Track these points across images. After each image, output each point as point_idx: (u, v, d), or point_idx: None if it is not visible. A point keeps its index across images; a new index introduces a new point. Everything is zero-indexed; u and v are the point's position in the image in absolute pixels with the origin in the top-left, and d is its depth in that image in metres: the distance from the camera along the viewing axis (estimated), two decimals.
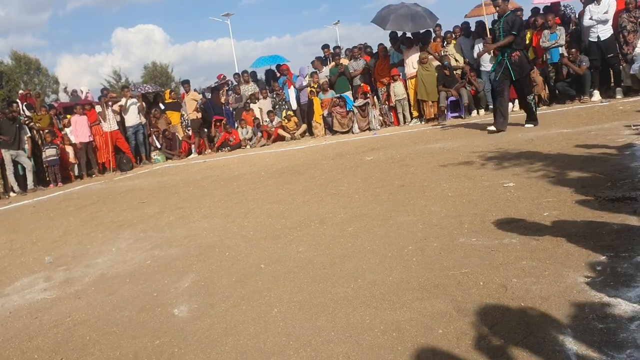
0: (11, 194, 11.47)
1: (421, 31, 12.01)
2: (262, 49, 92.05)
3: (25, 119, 12.46)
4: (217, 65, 77.44)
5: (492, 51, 9.29)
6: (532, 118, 8.61)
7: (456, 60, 12.07)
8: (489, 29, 9.34)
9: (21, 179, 11.81)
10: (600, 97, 10.28)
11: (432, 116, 11.93)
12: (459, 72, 11.97)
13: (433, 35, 12.69)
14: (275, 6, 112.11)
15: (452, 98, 11.77)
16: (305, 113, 13.68)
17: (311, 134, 13.58)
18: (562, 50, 10.70)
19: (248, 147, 13.57)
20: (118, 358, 2.68)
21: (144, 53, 75.03)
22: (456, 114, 11.98)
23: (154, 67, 47.01)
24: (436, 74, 11.77)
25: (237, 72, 16.27)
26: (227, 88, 15.02)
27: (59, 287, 4.10)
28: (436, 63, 11.92)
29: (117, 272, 4.22)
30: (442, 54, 12.06)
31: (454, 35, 12.83)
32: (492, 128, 8.54)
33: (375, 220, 4.40)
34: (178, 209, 6.50)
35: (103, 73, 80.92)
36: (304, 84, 13.68)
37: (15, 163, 11.72)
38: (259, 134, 13.72)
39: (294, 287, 3.24)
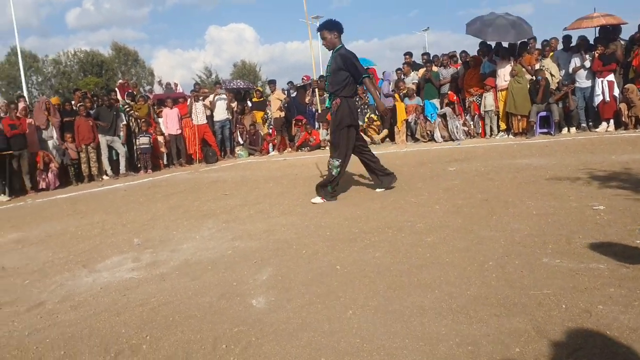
0: (104, 177, 12.24)
1: (519, 42, 11.72)
2: None
3: (126, 106, 13.22)
4: (303, 67, 78.81)
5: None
6: (320, 193, 6.40)
7: (552, 75, 11.61)
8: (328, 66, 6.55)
9: (114, 164, 12.58)
10: None
11: (520, 130, 11.58)
12: (553, 87, 11.51)
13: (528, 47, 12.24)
14: (365, 9, 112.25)
15: (543, 113, 11.36)
16: (388, 118, 13.63)
17: (392, 139, 13.52)
18: None
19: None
20: (199, 341, 2.81)
21: (235, 51, 77.80)
22: (545, 130, 11.56)
23: (243, 66, 48.55)
24: (528, 87, 11.41)
25: (322, 74, 16.45)
26: (312, 88, 15.23)
27: (145, 269, 4.34)
28: (529, 77, 11.55)
29: (200, 259, 4.41)
30: (537, 67, 11.62)
31: (550, 48, 12.31)
32: (379, 190, 6.56)
33: (455, 233, 4.34)
34: (258, 204, 6.69)
35: (195, 68, 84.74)
36: (390, 89, 13.62)
37: (110, 148, 12.51)
38: None
39: (369, 291, 3.26)
